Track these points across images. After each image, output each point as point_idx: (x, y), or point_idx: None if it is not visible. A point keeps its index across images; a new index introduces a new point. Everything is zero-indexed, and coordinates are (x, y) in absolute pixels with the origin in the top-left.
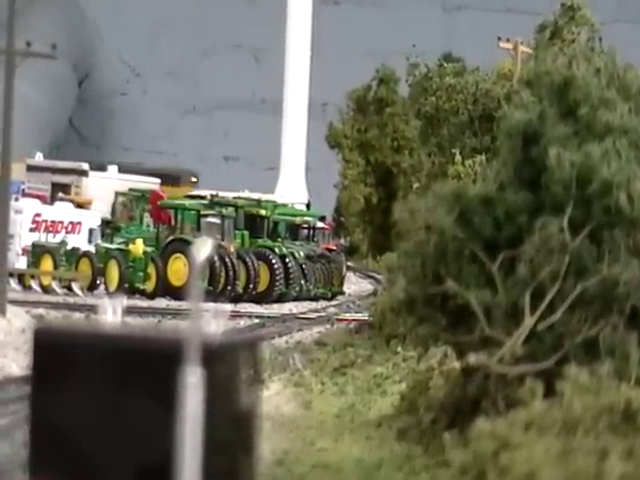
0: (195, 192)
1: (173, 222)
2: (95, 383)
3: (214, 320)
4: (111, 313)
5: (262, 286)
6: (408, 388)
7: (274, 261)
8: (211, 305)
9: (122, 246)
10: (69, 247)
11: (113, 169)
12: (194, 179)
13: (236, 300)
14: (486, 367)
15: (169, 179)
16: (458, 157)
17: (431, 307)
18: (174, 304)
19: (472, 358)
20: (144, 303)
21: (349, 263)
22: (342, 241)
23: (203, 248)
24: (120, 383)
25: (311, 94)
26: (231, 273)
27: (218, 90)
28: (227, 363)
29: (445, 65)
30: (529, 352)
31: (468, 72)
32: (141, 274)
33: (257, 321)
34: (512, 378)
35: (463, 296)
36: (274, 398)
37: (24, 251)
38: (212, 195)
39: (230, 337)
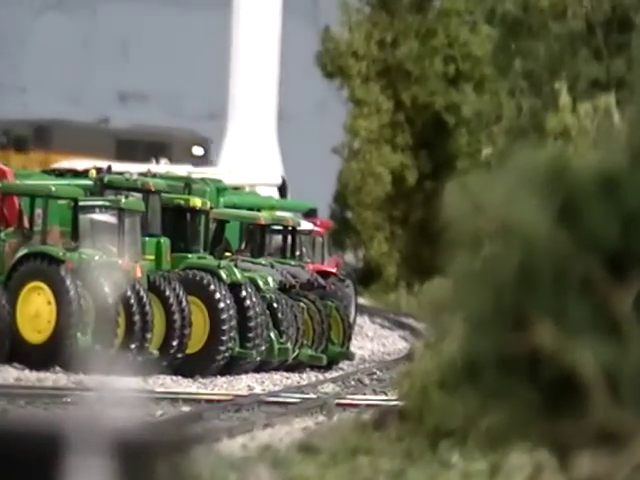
0: (65, 163)
1: (27, 222)
2: None
3: (107, 409)
4: None
5: (196, 343)
6: None
7: (218, 296)
8: (101, 380)
9: None
10: None
11: None
12: (198, 150)
13: (148, 369)
14: None
15: (146, 149)
16: (565, 98)
17: (512, 375)
18: (30, 376)
19: (586, 466)
20: None
21: (361, 299)
22: (348, 257)
23: (88, 272)
24: None
25: None
26: (137, 318)
27: None
28: None
29: None
30: None
31: None
32: None
33: (187, 409)
34: None
35: (568, 354)
36: None
37: None
38: (99, 170)
39: (138, 439)
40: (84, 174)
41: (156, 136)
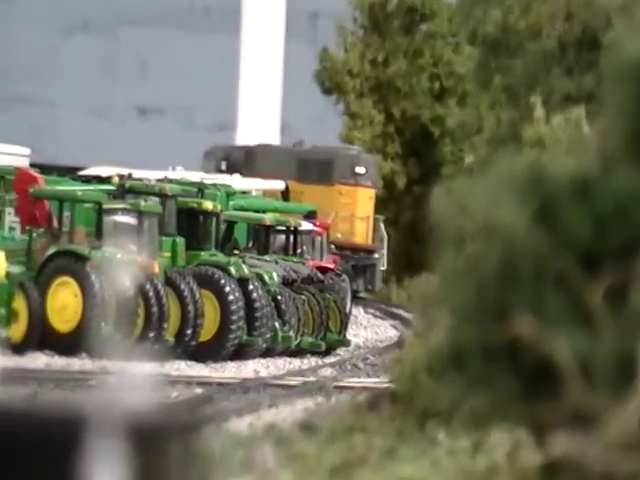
0: (91, 170)
1: (56, 223)
2: None
3: (128, 391)
4: None
5: (208, 332)
6: None
7: (228, 289)
8: (122, 365)
9: None
10: None
11: None
12: (360, 169)
13: (164, 355)
14: (583, 459)
15: (317, 167)
16: (539, 110)
17: (494, 362)
18: (58, 362)
19: (560, 445)
20: (8, 360)
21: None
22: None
23: (110, 268)
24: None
25: None
26: (155, 309)
27: None
28: (152, 460)
29: None
30: None
31: None
32: (2, 312)
33: (200, 391)
34: (624, 475)
35: (545, 343)
36: None
37: None
38: (121, 176)
39: (156, 418)
40: (108, 180)
41: (326, 155)
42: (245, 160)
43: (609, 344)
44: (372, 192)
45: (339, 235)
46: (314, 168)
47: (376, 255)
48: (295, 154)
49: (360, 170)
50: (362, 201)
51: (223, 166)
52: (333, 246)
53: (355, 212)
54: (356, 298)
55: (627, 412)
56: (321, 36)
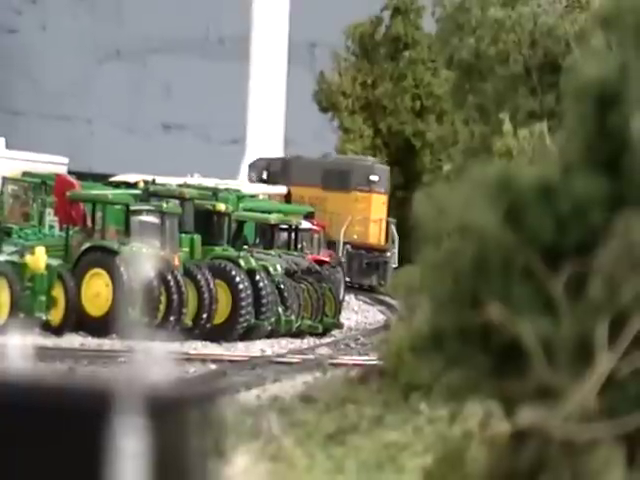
0: (120, 177)
1: (89, 222)
2: None
3: (151, 367)
4: (16, 355)
5: (221, 316)
6: (436, 461)
7: (238, 279)
8: (146, 344)
9: (14, 257)
10: None
11: None
12: (374, 177)
13: (183, 336)
14: (546, 428)
15: (336, 176)
16: (507, 125)
17: (468, 343)
18: (92, 342)
19: (526, 416)
20: (48, 341)
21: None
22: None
23: (137, 260)
24: (30, 451)
25: (292, 31)
26: (175, 297)
27: (154, 26)
28: (172, 428)
29: None
30: (606, 406)
31: (523, 1)
32: (43, 299)
33: (214, 367)
34: (582, 443)
35: (513, 327)
36: (241, 478)
37: None
38: (146, 182)
39: (176, 391)
40: (135, 185)
41: (344, 165)
42: (281, 170)
43: (568, 328)
44: (384, 198)
45: (355, 236)
46: (335, 177)
47: (388, 254)
48: (321, 165)
49: (374, 178)
50: (375, 206)
51: (264, 175)
52: (349, 246)
53: (369, 216)
54: (370, 292)
55: (584, 388)
56: (318, 62)
